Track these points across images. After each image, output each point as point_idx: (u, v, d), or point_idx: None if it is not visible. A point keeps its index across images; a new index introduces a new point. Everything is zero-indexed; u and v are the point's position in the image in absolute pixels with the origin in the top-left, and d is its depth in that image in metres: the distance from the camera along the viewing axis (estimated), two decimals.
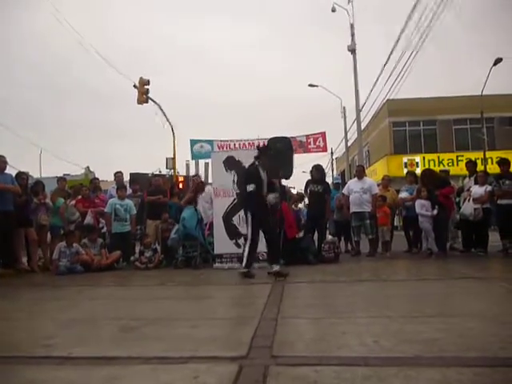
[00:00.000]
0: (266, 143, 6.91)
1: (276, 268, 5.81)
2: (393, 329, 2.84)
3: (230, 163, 7.54)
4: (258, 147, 6.50)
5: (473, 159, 10.85)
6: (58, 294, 5.28)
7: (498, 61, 20.54)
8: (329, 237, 8.51)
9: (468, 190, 8.23)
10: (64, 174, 23.73)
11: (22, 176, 7.92)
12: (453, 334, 2.67)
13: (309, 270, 6.70)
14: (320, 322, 3.22)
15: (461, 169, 15.80)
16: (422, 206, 7.92)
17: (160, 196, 8.92)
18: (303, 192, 9.54)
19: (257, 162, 6.13)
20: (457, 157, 23.91)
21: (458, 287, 4.73)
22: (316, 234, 8.27)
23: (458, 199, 8.66)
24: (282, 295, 4.36)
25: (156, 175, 16.27)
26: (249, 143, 12.54)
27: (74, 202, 8.74)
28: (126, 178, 11.28)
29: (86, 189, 9.05)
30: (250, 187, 5.93)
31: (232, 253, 7.27)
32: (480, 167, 13.63)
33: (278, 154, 7.40)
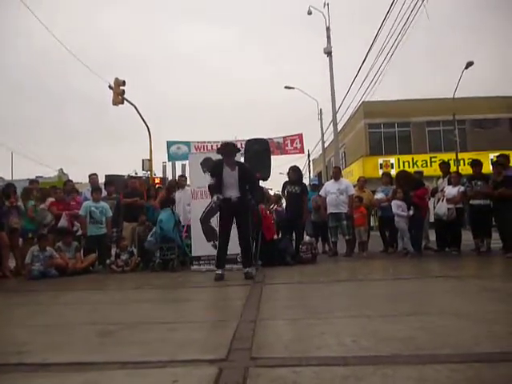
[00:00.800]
0: (229, 143, 6.82)
1: (245, 270, 5.82)
2: (371, 328, 2.87)
3: (208, 165, 7.49)
4: (218, 149, 6.42)
5: (446, 160, 11.10)
6: (32, 300, 5.14)
7: (469, 64, 21.09)
8: (306, 238, 8.56)
9: (442, 190, 8.41)
10: (37, 177, 23.25)
11: None
12: (429, 331, 2.71)
13: (287, 271, 6.72)
14: (299, 322, 3.23)
15: (434, 170, 16.16)
16: (398, 207, 8.06)
17: (137, 198, 8.81)
18: (280, 193, 9.59)
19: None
20: (430, 158, 24.47)
21: (433, 286, 4.83)
22: (294, 235, 8.30)
23: (432, 200, 8.84)
24: (260, 297, 4.35)
25: (132, 177, 16.10)
26: None
27: (47, 204, 8.53)
28: (102, 180, 11.12)
29: (60, 191, 8.86)
30: (211, 181, 6.05)
31: (210, 255, 7.21)
32: (452, 168, 13.98)
33: (255, 155, 7.41)
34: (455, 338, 2.56)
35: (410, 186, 8.25)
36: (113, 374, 2.22)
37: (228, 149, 6.12)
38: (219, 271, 5.85)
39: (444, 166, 9.25)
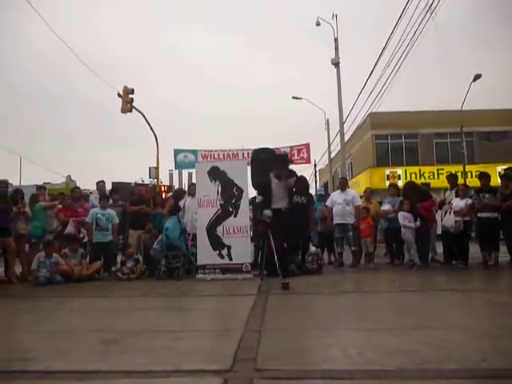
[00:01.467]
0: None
1: (282, 280, 5.78)
2: (376, 341, 2.85)
3: (215, 173, 7.52)
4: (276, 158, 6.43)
5: (453, 172, 11.05)
6: (38, 306, 5.15)
7: (477, 77, 21.06)
8: (312, 248, 8.52)
9: (449, 202, 8.36)
10: (44, 183, 23.37)
11: (1, 184, 7.76)
12: (434, 345, 2.69)
13: (292, 281, 6.66)
14: (304, 333, 3.22)
15: (441, 181, 16.05)
16: (404, 218, 8.02)
17: (143, 206, 8.84)
18: None
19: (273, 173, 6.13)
20: (437, 170, 24.33)
21: (439, 299, 4.80)
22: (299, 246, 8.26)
23: (440, 212, 8.78)
24: (265, 307, 4.34)
25: (139, 185, 16.13)
26: (233, 154, 12.59)
27: (54, 210, 8.56)
28: (109, 187, 11.16)
29: (67, 198, 8.91)
30: (258, 198, 6.08)
31: (215, 264, 7.22)
32: (460, 180, 13.92)
33: (261, 164, 7.42)
34: (461, 352, 2.54)
35: (417, 197, 8.22)
36: (117, 382, 2.22)
37: (280, 161, 6.23)
38: (285, 280, 5.78)
39: (451, 178, 9.20)
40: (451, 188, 8.87)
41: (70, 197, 9.07)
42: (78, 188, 10.34)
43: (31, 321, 4.09)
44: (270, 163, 6.23)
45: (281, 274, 5.91)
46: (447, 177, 9.38)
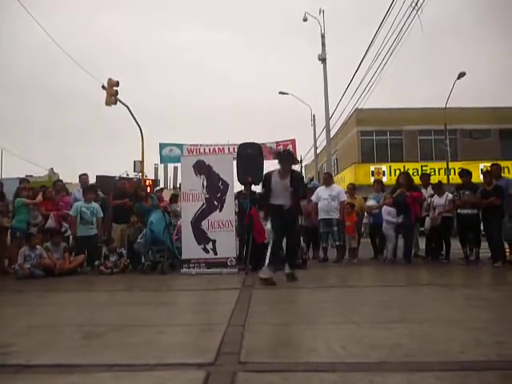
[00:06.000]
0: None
1: (288, 271, 5.86)
2: (359, 334, 2.87)
3: (200, 167, 7.49)
4: (277, 153, 6.34)
5: (436, 169, 11.26)
6: (18, 300, 5.07)
7: (461, 75, 21.33)
8: None
9: (425, 199, 8.54)
10: (26, 176, 22.95)
11: None
12: (417, 339, 2.72)
13: (277, 275, 6.68)
14: (288, 327, 3.23)
15: None
16: (387, 213, 8.06)
17: (126, 200, 8.75)
18: None
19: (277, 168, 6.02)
20: (421, 166, 24.61)
21: (421, 293, 4.86)
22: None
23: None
24: (249, 301, 4.34)
25: (122, 178, 15.94)
26: (219, 148, 12.56)
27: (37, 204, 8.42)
28: (93, 180, 11.03)
29: (50, 190, 8.76)
30: (260, 191, 6.17)
31: (200, 258, 7.20)
32: (443, 177, 14.15)
33: (248, 159, 7.42)
34: (443, 345, 2.57)
35: (409, 186, 8.38)
36: (98, 376, 2.19)
37: (283, 156, 6.05)
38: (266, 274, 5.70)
39: (425, 177, 9.51)
40: (424, 186, 9.11)
41: (53, 190, 8.93)
42: (61, 181, 10.20)
43: (11, 315, 4.02)
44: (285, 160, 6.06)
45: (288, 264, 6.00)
46: (421, 176, 9.72)
